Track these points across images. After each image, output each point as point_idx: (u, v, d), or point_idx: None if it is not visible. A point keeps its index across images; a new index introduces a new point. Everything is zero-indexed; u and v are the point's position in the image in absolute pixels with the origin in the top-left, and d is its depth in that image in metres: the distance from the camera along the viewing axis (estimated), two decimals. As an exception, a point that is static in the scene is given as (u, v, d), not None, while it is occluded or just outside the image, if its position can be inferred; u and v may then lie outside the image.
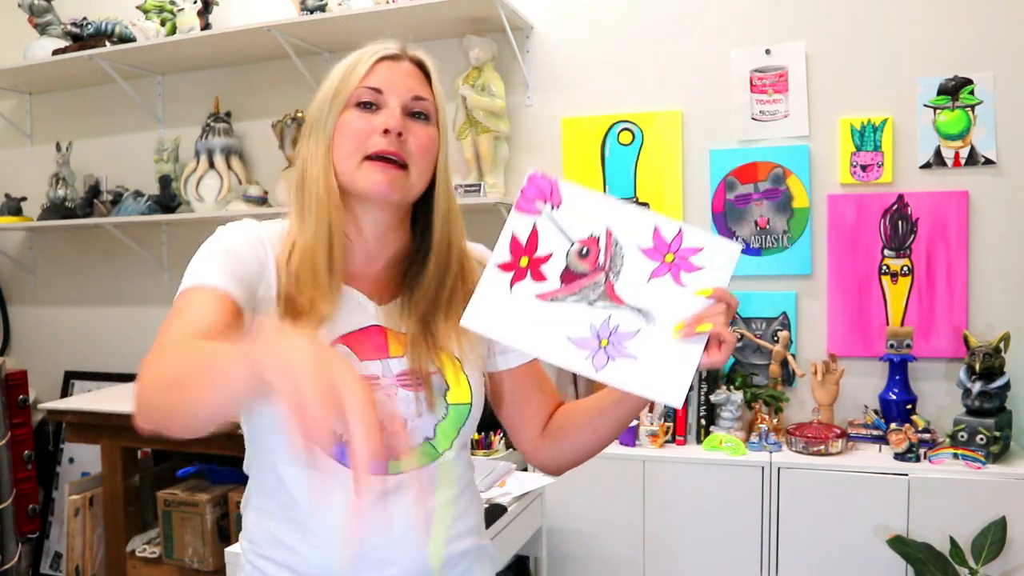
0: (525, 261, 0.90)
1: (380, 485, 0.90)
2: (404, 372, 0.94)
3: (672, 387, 0.86)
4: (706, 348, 0.87)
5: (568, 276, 0.89)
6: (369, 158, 0.92)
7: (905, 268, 2.17)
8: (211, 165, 2.70)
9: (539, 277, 0.89)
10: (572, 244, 0.90)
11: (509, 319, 0.88)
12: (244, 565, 0.97)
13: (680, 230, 0.90)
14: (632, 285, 0.89)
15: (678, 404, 0.85)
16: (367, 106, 0.94)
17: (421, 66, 0.99)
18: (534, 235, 0.90)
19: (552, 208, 0.91)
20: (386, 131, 0.92)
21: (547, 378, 1.11)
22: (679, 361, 0.87)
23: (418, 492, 0.94)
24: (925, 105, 2.14)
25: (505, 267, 0.90)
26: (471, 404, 0.98)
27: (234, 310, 0.85)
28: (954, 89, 2.11)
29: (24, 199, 3.00)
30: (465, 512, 0.99)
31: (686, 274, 0.89)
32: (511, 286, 0.89)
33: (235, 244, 0.92)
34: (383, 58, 0.96)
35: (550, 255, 0.90)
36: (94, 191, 2.91)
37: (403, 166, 0.93)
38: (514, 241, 0.90)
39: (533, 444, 1.07)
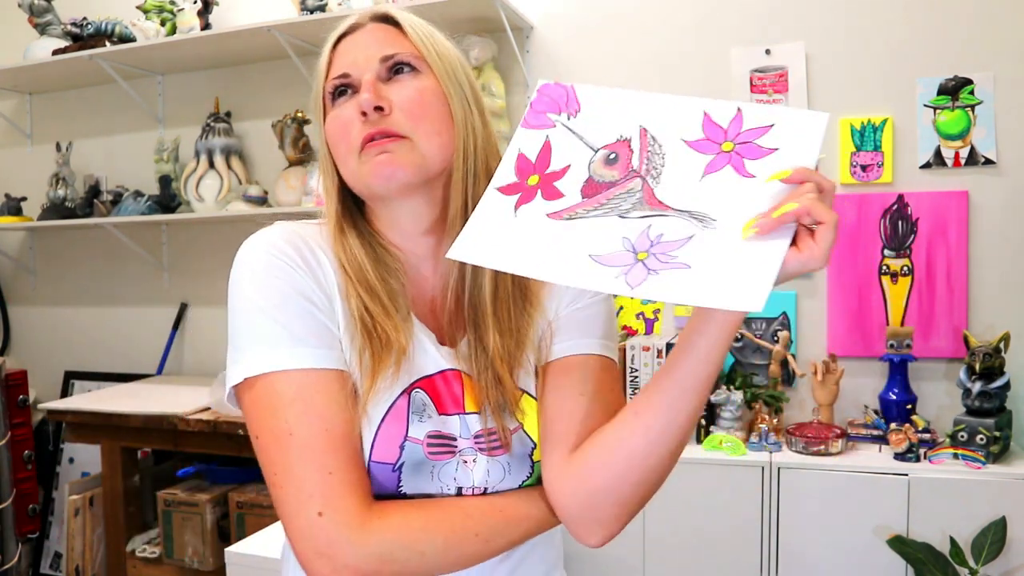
0: (535, 179, 0.71)
1: None
2: (482, 432, 0.79)
3: (744, 287, 0.61)
4: (794, 242, 0.63)
5: (591, 188, 0.70)
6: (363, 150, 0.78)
7: (905, 268, 2.17)
8: (211, 165, 2.70)
9: (553, 195, 0.70)
10: (595, 152, 0.71)
11: (509, 244, 0.67)
12: None
13: (739, 110, 0.70)
14: (679, 187, 0.68)
15: (757, 306, 0.60)
16: (342, 95, 0.80)
17: (389, 20, 0.83)
18: (546, 150, 0.72)
19: (569, 117, 0.73)
20: (363, 114, 0.77)
21: (609, 386, 0.81)
22: (755, 260, 0.62)
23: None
24: (925, 105, 2.14)
25: (508, 190, 0.71)
26: None
27: (352, 389, 0.75)
28: (954, 89, 2.11)
29: (24, 199, 3.00)
30: (546, 551, 0.87)
31: (753, 162, 0.68)
32: (516, 209, 0.70)
33: (303, 281, 0.76)
34: (341, 37, 0.83)
35: (567, 168, 0.71)
36: (94, 191, 2.91)
37: (404, 137, 0.77)
38: (521, 159, 0.72)
39: (557, 467, 0.77)
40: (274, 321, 0.74)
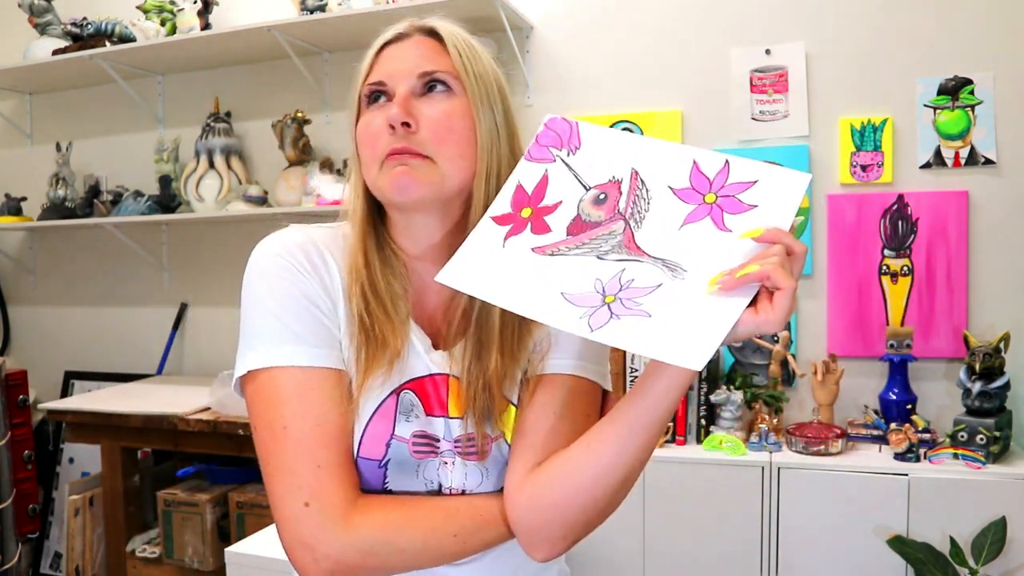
0: (527, 212, 0.74)
1: None
2: (462, 438, 0.81)
3: (692, 345, 0.62)
4: (754, 303, 0.64)
5: (577, 226, 0.73)
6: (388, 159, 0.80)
7: (905, 268, 2.17)
8: (211, 165, 2.70)
9: (541, 229, 0.73)
10: (587, 191, 0.74)
11: (491, 275, 0.71)
12: None
13: (727, 163, 0.72)
14: (659, 233, 0.70)
15: (697, 366, 0.61)
16: (376, 100, 0.82)
17: (434, 34, 0.83)
18: (543, 183, 0.75)
19: (569, 153, 0.76)
20: (391, 127, 0.78)
21: (582, 409, 0.82)
22: (710, 318, 0.64)
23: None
24: (925, 105, 2.14)
25: (502, 220, 0.74)
26: None
27: (348, 388, 0.79)
28: (954, 89, 2.11)
29: (24, 199, 3.00)
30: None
31: (732, 216, 0.69)
32: (505, 240, 0.73)
33: (309, 285, 0.80)
34: (387, 43, 0.84)
35: (558, 204, 0.74)
36: (94, 191, 2.91)
37: (427, 157, 0.79)
38: (518, 191, 0.75)
39: (516, 481, 0.78)
40: (278, 320, 0.78)
